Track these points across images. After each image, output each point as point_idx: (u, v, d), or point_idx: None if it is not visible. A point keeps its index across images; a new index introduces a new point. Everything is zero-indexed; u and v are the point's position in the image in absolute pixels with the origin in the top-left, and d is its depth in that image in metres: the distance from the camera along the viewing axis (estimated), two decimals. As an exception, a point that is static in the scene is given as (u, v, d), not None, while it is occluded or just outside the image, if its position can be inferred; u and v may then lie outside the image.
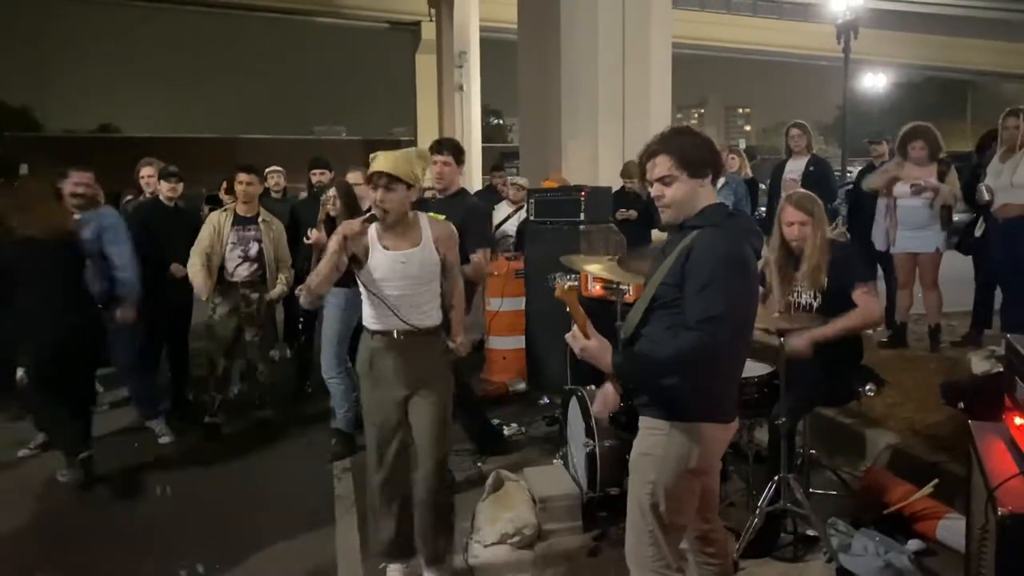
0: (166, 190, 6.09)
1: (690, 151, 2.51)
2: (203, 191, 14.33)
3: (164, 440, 5.60)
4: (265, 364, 5.90)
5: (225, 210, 5.72)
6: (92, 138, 40.32)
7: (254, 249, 5.63)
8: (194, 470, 5.18)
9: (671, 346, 2.38)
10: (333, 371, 5.19)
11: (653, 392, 2.51)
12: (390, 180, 3.22)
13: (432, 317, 3.42)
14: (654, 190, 2.56)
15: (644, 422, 2.58)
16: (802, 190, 4.67)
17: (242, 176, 5.67)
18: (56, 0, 38.44)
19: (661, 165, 2.51)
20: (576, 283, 2.66)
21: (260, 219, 5.70)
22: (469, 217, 4.55)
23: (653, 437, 2.53)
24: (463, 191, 4.96)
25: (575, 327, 2.47)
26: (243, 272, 5.61)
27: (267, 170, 7.73)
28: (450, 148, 4.80)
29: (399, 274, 3.31)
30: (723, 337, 2.37)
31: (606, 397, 2.74)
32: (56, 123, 61.35)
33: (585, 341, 2.45)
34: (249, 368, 6.06)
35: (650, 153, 2.56)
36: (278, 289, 5.72)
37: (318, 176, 7.15)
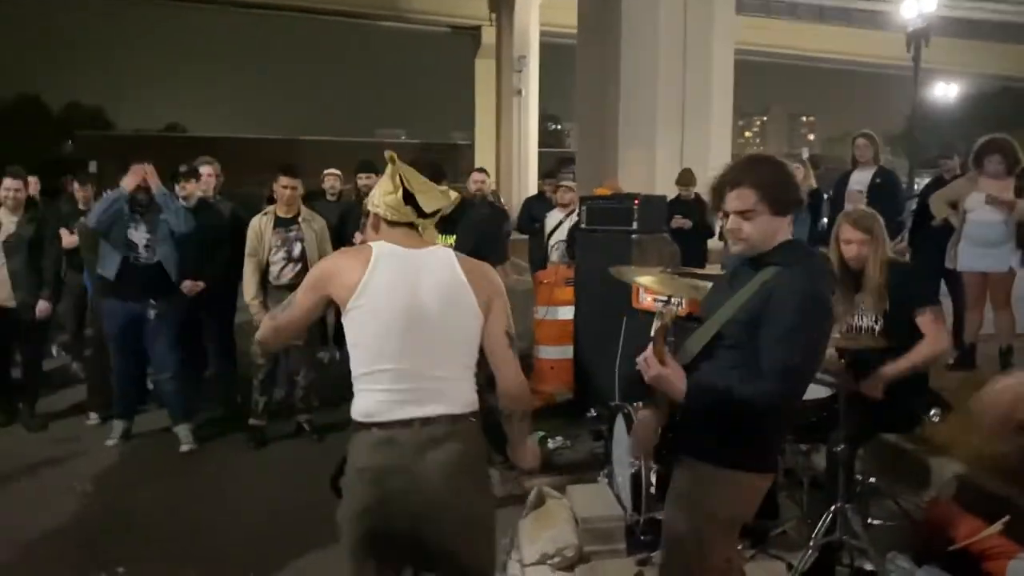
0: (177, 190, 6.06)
1: (778, 188, 2.34)
2: (264, 192, 14.50)
3: (185, 448, 5.53)
4: (309, 368, 5.84)
5: (266, 214, 5.68)
6: (160, 137, 41.47)
7: (297, 249, 5.60)
8: (232, 474, 5.18)
9: (745, 392, 2.24)
10: None
11: (710, 432, 2.36)
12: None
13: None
14: (731, 222, 2.37)
15: (688, 462, 2.47)
16: (861, 207, 4.48)
17: (284, 180, 5.64)
18: (129, 3, 39.49)
19: (744, 199, 2.33)
20: (675, 309, 2.52)
21: (301, 218, 5.67)
22: (481, 232, 4.57)
23: (695, 479, 2.43)
24: (463, 201, 4.93)
25: (649, 349, 2.33)
26: (288, 274, 5.56)
27: (325, 172, 7.72)
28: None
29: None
30: (797, 390, 2.31)
31: (644, 430, 2.62)
32: (127, 122, 63.19)
33: (660, 368, 2.30)
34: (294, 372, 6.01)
35: (733, 182, 2.36)
36: None
37: (364, 179, 7.12)
